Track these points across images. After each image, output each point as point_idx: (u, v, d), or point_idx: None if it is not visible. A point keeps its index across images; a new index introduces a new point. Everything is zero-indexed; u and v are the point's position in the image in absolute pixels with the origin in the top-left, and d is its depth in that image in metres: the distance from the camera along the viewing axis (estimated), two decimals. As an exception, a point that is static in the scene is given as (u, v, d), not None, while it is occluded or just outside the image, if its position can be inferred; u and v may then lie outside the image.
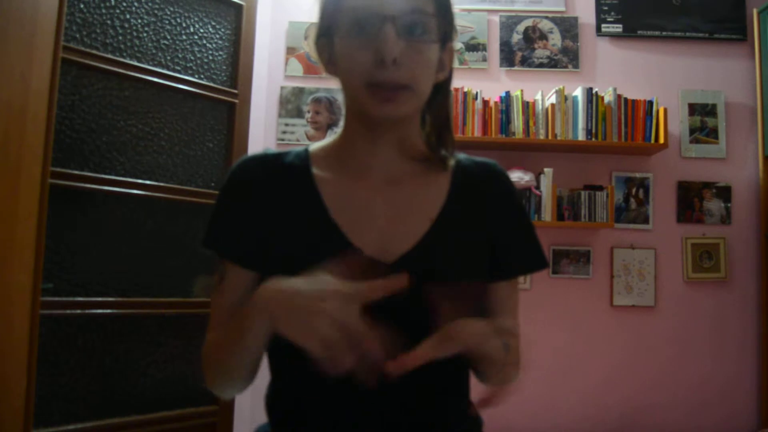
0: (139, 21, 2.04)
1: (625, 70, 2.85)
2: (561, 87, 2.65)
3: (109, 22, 1.96)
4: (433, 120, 0.85)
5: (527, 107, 2.65)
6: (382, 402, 0.72)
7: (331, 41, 0.76)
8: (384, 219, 0.77)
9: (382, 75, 0.70)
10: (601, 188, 2.66)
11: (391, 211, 0.78)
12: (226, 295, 0.78)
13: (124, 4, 2.00)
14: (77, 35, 1.87)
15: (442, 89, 0.83)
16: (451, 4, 0.78)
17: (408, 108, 0.74)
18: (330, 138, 0.85)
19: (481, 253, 0.81)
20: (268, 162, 0.81)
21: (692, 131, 2.83)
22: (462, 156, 0.86)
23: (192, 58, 2.19)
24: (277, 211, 0.78)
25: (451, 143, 0.85)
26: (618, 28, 2.88)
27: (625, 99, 2.67)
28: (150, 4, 2.07)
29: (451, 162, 0.84)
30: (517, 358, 0.79)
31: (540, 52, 2.87)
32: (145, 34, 2.05)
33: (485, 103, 2.65)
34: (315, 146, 0.85)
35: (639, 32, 2.89)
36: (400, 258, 0.74)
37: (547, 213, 2.56)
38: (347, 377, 0.59)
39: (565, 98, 2.64)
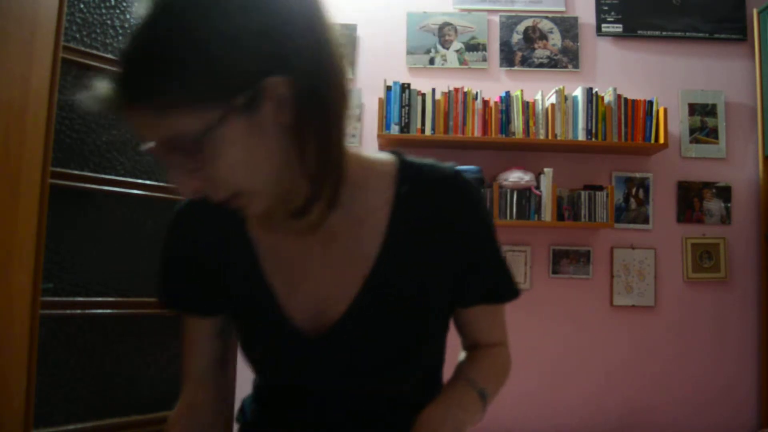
0: (139, 21, 2.04)
1: (625, 70, 2.85)
2: (561, 87, 2.65)
3: (109, 22, 1.96)
4: (310, 170, 0.62)
5: (527, 107, 2.65)
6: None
7: None
8: (316, 280, 0.69)
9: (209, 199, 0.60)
10: (601, 188, 2.66)
11: (325, 268, 0.69)
12: (191, 347, 0.78)
13: (124, 4, 2.00)
14: (77, 35, 1.87)
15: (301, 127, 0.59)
16: (228, 52, 0.53)
17: (261, 204, 0.61)
18: None
19: (435, 293, 0.70)
20: (205, 211, 0.70)
21: (692, 131, 2.83)
22: (407, 165, 0.71)
23: (192, 58, 2.19)
24: (214, 263, 0.73)
25: (334, 182, 0.63)
26: (618, 28, 2.88)
27: (625, 99, 2.67)
28: (150, 4, 2.07)
29: (385, 193, 0.69)
30: (499, 387, 0.77)
31: (540, 52, 2.87)
32: (145, 34, 2.05)
33: (485, 103, 2.65)
34: None
35: (639, 32, 2.89)
36: (330, 329, 0.68)
37: (547, 213, 2.56)
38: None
39: (565, 98, 2.64)
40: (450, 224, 0.69)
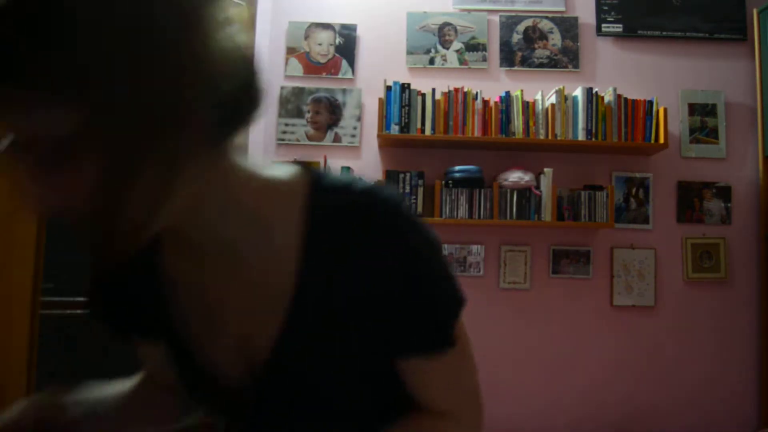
0: (139, 21, 2.04)
1: (625, 70, 2.85)
2: (561, 87, 2.65)
3: (109, 22, 1.95)
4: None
5: (527, 107, 2.65)
6: None
7: None
8: (236, 318, 0.61)
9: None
10: (601, 188, 2.66)
11: (243, 303, 0.60)
12: (144, 366, 0.77)
13: (124, 4, 2.00)
14: (77, 35, 1.87)
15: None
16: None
17: (142, 239, 0.50)
18: None
19: (360, 342, 0.60)
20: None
21: (692, 131, 2.83)
22: (321, 202, 0.58)
23: (192, 58, 2.19)
24: (134, 291, 0.66)
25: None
26: (618, 28, 2.88)
27: (625, 99, 2.67)
28: (150, 4, 2.07)
29: (293, 228, 0.57)
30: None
31: (540, 52, 2.87)
32: (145, 34, 2.05)
33: (485, 103, 2.65)
34: None
35: (639, 32, 2.89)
36: (258, 371, 0.61)
37: (547, 213, 2.56)
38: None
39: (565, 98, 2.64)
40: (366, 265, 0.56)
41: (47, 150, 0.44)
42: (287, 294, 0.57)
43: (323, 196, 0.58)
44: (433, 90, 2.63)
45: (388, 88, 2.61)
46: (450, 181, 2.58)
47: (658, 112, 2.65)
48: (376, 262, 0.56)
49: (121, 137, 0.45)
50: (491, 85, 2.81)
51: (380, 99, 2.61)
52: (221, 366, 0.63)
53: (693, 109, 2.84)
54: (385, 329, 0.59)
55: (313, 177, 0.59)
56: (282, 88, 2.81)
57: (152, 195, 0.47)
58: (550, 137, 2.63)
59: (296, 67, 2.84)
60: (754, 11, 2.79)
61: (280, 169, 0.60)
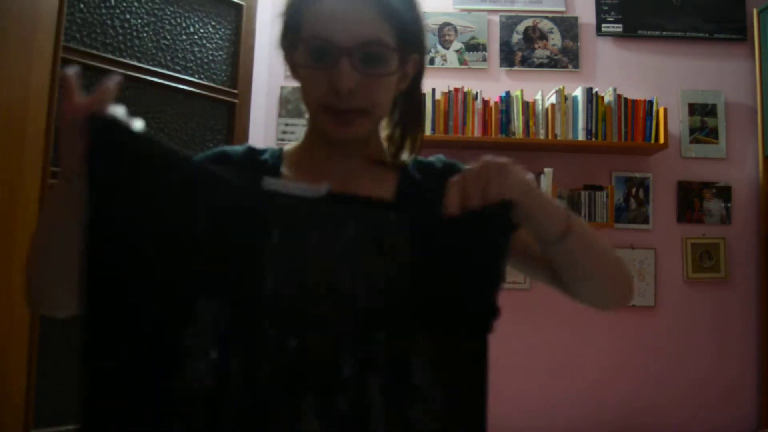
0: (139, 21, 2.04)
1: (625, 70, 2.85)
2: (561, 87, 2.65)
3: (109, 22, 1.96)
4: (396, 123, 0.84)
5: (527, 107, 2.65)
6: None
7: (294, 50, 0.76)
8: None
9: (337, 103, 0.71)
10: (601, 188, 2.66)
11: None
12: None
13: (124, 4, 2.00)
14: (77, 35, 1.87)
15: (406, 97, 0.82)
16: (418, 23, 0.77)
17: (364, 130, 0.76)
18: (301, 140, 0.86)
19: None
20: (241, 157, 0.82)
21: (692, 131, 2.83)
22: (418, 159, 0.85)
23: (192, 58, 2.19)
24: None
25: (415, 146, 0.84)
26: (618, 28, 2.88)
27: (625, 99, 2.67)
28: (150, 4, 2.07)
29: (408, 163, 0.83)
30: (603, 253, 0.73)
31: (540, 52, 2.87)
32: (145, 34, 2.05)
33: (485, 103, 2.65)
34: (289, 147, 0.86)
35: (639, 32, 2.89)
36: None
37: (547, 213, 2.56)
38: None
39: (565, 98, 2.64)
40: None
41: (374, 53, 0.71)
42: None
43: (419, 161, 0.86)
44: (433, 90, 2.62)
45: (388, 88, 2.61)
46: (450, 181, 2.57)
47: (658, 112, 2.65)
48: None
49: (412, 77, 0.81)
50: (491, 85, 2.81)
51: (380, 99, 2.61)
52: None
53: (693, 109, 2.84)
54: None
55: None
56: (282, 88, 2.81)
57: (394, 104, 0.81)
58: (550, 137, 2.63)
59: (296, 67, 2.84)
60: (754, 11, 2.79)
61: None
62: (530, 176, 0.68)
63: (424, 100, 0.84)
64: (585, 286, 0.76)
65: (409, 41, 0.75)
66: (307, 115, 0.83)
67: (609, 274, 0.76)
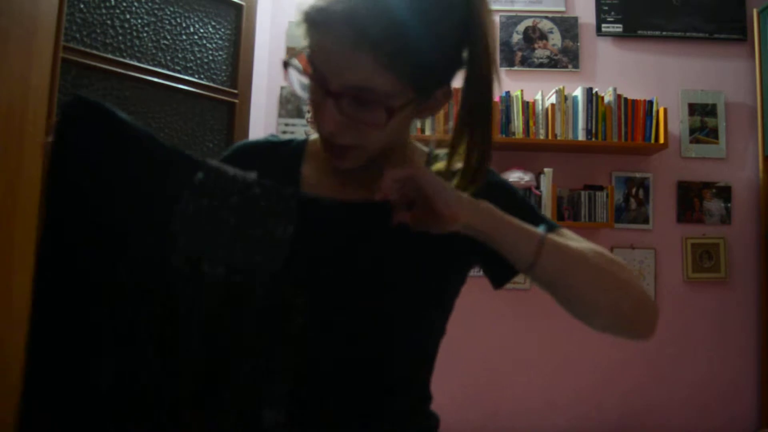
0: (139, 21, 2.04)
1: (625, 70, 2.85)
2: (561, 87, 2.65)
3: (109, 22, 1.96)
4: (470, 152, 0.71)
5: (527, 107, 2.65)
6: None
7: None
8: None
9: (327, 137, 0.68)
10: (601, 188, 2.66)
11: None
12: None
13: (124, 4, 2.00)
14: (77, 35, 1.87)
15: (466, 117, 0.70)
16: (444, 57, 0.67)
17: (356, 162, 0.72)
18: None
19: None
20: (262, 150, 0.82)
21: (692, 131, 2.83)
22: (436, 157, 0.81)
23: (192, 58, 2.19)
24: None
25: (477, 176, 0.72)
26: (618, 28, 2.88)
27: (625, 99, 2.67)
28: (150, 4, 2.07)
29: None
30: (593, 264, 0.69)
31: (540, 52, 2.87)
32: (145, 34, 2.05)
33: (485, 103, 2.65)
34: (315, 137, 0.84)
35: (639, 32, 2.89)
36: None
37: (547, 213, 2.56)
38: None
39: (565, 98, 2.64)
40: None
41: (364, 98, 0.63)
42: None
43: (436, 156, 0.81)
44: (433, 90, 2.62)
45: (388, 88, 2.61)
46: (450, 181, 2.58)
47: (658, 112, 2.65)
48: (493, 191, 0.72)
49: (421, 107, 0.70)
50: (491, 85, 2.81)
51: (380, 99, 2.61)
52: None
53: (693, 109, 2.84)
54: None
55: (431, 149, 0.84)
56: (282, 88, 2.81)
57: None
58: (550, 137, 2.63)
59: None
60: (754, 11, 2.79)
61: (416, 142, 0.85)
62: (485, 203, 0.65)
63: (492, 114, 0.70)
64: (581, 309, 0.72)
65: (428, 81, 0.67)
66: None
67: (606, 298, 0.71)
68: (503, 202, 0.68)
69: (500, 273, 0.77)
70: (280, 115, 2.81)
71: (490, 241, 0.65)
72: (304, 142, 0.84)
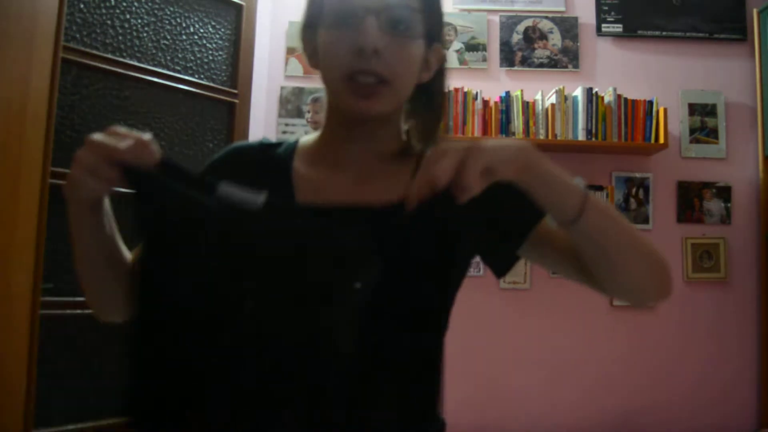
0: (139, 21, 2.04)
1: (625, 70, 2.85)
2: (561, 87, 2.65)
3: (109, 22, 1.96)
4: (418, 122, 0.84)
5: (527, 107, 2.65)
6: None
7: (315, 33, 0.76)
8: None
9: (361, 65, 0.70)
10: (601, 188, 2.66)
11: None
12: None
13: (124, 4, 2.00)
14: (77, 35, 1.87)
15: (428, 90, 0.81)
16: (440, 3, 0.79)
17: (385, 105, 0.73)
18: (320, 131, 0.86)
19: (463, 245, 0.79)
20: (254, 152, 0.83)
21: (692, 131, 2.83)
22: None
23: (192, 58, 2.19)
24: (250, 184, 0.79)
25: (431, 139, 0.84)
26: (618, 28, 2.88)
27: (625, 99, 2.67)
28: (150, 4, 2.07)
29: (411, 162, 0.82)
30: (623, 230, 0.68)
31: (540, 52, 2.87)
32: (145, 34, 2.05)
33: (485, 103, 2.65)
34: (305, 139, 0.86)
35: (639, 32, 2.89)
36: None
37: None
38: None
39: (565, 98, 2.64)
40: None
41: (398, 23, 0.71)
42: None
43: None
44: (433, 90, 2.62)
45: (388, 88, 2.61)
46: (450, 181, 2.58)
47: (658, 112, 2.65)
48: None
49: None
50: (491, 85, 2.81)
51: (380, 99, 2.61)
52: None
53: (693, 109, 2.84)
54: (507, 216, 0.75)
55: None
56: (282, 88, 2.81)
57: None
58: (550, 137, 2.63)
59: (296, 67, 2.84)
60: (754, 11, 2.79)
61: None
62: (531, 151, 0.64)
63: (447, 96, 0.88)
64: (614, 271, 0.70)
65: (434, 24, 0.76)
66: (324, 107, 0.82)
67: (639, 254, 0.72)
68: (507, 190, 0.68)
69: (501, 262, 0.78)
70: (280, 115, 2.81)
71: (535, 191, 0.64)
72: (295, 143, 0.85)
